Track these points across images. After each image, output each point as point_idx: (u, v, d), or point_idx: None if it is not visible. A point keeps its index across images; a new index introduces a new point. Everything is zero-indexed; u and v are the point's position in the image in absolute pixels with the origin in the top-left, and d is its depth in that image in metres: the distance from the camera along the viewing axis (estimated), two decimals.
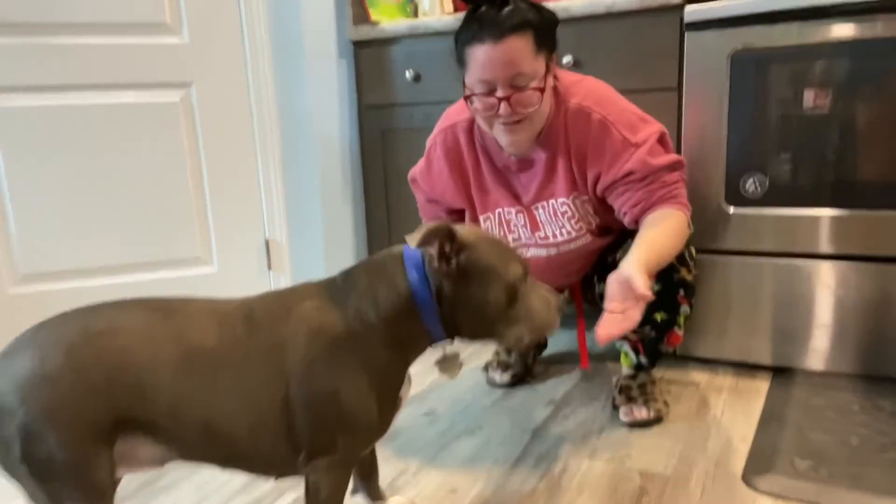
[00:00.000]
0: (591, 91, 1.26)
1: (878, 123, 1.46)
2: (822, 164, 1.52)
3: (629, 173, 1.21)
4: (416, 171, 1.45)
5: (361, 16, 2.02)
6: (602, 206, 1.31)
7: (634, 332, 1.35)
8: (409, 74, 1.91)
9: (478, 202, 1.37)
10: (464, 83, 1.20)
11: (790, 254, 1.57)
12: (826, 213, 1.53)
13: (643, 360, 1.44)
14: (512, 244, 1.32)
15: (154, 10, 1.70)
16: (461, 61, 1.18)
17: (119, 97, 1.73)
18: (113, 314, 0.81)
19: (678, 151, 1.64)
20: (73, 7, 1.63)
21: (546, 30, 1.16)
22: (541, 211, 1.32)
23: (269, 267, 1.96)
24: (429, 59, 1.90)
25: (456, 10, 2.04)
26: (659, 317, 1.33)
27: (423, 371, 1.74)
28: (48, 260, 1.73)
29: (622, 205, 1.25)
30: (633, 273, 1.00)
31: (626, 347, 1.45)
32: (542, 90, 1.17)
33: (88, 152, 1.71)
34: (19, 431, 0.74)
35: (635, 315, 0.98)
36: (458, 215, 1.45)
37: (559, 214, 1.31)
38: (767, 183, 1.56)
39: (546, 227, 1.33)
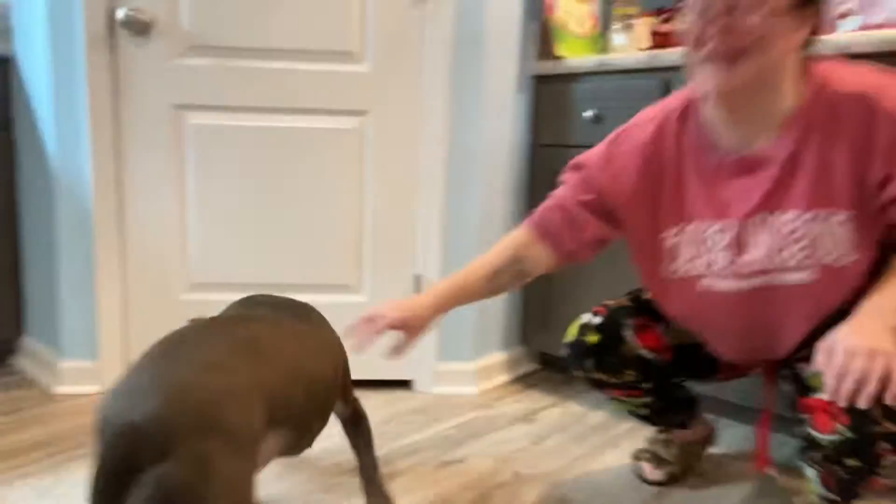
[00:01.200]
0: (863, 73, 0.96)
1: None
2: None
3: None
4: (586, 158, 1.18)
5: (546, 51, 1.91)
6: (866, 230, 0.96)
7: (823, 462, 0.99)
8: (589, 114, 1.76)
9: (667, 212, 1.08)
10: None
11: None
12: None
13: (832, 497, 1.04)
14: (697, 272, 1.07)
15: (342, 39, 1.73)
16: None
17: (302, 121, 1.77)
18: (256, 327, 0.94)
19: None
20: (268, 33, 1.71)
21: None
22: (758, 226, 1.00)
23: None
24: (614, 98, 1.73)
25: (654, 46, 1.86)
26: (851, 462, 0.96)
27: (561, 445, 1.55)
28: (215, 271, 1.81)
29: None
30: (842, 336, 0.85)
31: (812, 473, 1.04)
32: (777, 15, 0.89)
33: (267, 173, 1.77)
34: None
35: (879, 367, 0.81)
36: (598, 231, 1.16)
37: (783, 234, 0.98)
38: None
39: (756, 249, 1.00)
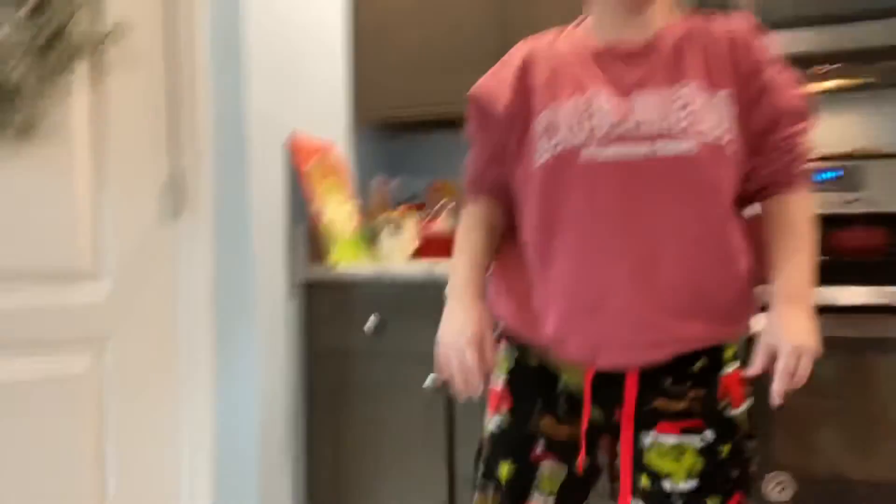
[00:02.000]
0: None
1: None
2: None
3: (770, 88, 0.98)
4: (479, 82, 1.12)
5: (318, 255, 1.82)
6: (741, 120, 0.99)
7: None
8: (370, 322, 1.70)
9: (544, 94, 1.03)
10: None
11: None
12: None
13: None
14: (580, 138, 0.98)
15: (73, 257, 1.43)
16: None
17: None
18: None
19: None
20: None
21: None
22: (645, 96, 0.99)
23: None
24: (394, 306, 1.71)
25: (419, 255, 1.89)
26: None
27: None
28: None
29: (753, 161, 1.00)
30: (783, 336, 0.94)
31: None
32: None
33: None
34: None
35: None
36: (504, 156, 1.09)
37: (670, 101, 0.98)
38: None
39: (644, 113, 0.97)
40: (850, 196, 1.83)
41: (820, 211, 1.79)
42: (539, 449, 1.06)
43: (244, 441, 1.63)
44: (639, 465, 1.05)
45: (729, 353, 1.04)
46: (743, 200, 1.04)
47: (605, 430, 1.05)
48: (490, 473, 1.10)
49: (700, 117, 0.96)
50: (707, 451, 1.01)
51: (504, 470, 1.08)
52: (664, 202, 0.96)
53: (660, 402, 1.02)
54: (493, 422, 1.11)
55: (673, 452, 1.01)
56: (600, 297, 0.98)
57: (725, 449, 1.01)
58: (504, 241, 1.13)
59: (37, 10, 1.33)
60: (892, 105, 1.92)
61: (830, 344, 1.35)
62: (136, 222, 1.52)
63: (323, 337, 1.80)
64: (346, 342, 1.77)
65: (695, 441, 1.01)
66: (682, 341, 0.99)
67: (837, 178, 1.85)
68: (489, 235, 1.11)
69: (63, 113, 1.42)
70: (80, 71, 1.43)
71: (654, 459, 1.02)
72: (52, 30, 1.34)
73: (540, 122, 1.01)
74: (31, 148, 1.39)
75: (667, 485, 1.01)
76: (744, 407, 1.04)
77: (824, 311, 1.35)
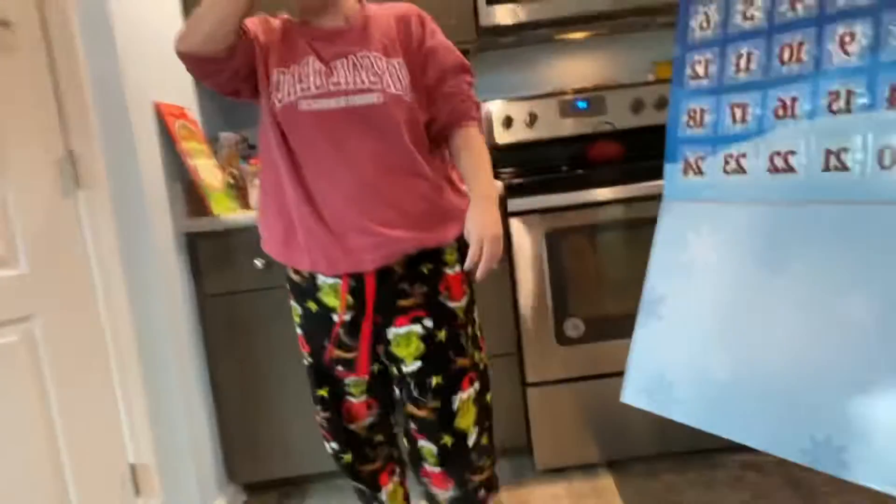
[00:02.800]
0: None
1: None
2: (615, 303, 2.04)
3: (434, 52, 1.32)
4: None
5: (201, 209, 2.01)
6: (414, 82, 1.30)
7: None
8: (258, 263, 1.97)
9: (275, 58, 1.29)
10: None
11: (606, 375, 2.05)
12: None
13: None
14: (301, 93, 1.26)
15: None
16: None
17: None
18: None
19: (515, 306, 2.04)
20: None
21: None
22: (339, 64, 1.27)
23: (138, 493, 1.77)
24: None
25: None
26: None
27: None
28: None
29: (432, 109, 1.32)
30: (484, 227, 1.23)
31: None
32: None
33: None
34: None
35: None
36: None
37: (359, 66, 1.26)
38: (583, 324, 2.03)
39: (341, 75, 1.26)
40: (595, 119, 2.50)
41: (577, 133, 2.45)
42: (338, 370, 1.39)
43: (167, 388, 1.85)
44: (390, 358, 1.36)
45: (449, 257, 1.35)
46: (435, 141, 1.34)
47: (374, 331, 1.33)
48: (316, 397, 1.45)
49: (382, 77, 1.25)
50: (427, 337, 1.31)
51: (322, 392, 1.43)
52: (362, 140, 1.24)
53: (399, 303, 1.31)
54: (305, 359, 1.45)
55: (405, 340, 1.31)
56: (333, 215, 1.25)
57: (442, 334, 1.32)
58: (263, 173, 1.37)
59: None
60: (621, 49, 2.60)
61: (593, 229, 2.00)
62: (39, 202, 1.59)
63: (214, 282, 2.00)
64: (238, 284, 2.00)
65: (418, 328, 1.31)
66: (393, 242, 1.26)
67: (587, 107, 2.51)
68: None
69: None
70: None
71: (394, 348, 1.34)
72: None
73: (273, 76, 1.27)
74: None
75: (403, 367, 1.34)
76: (463, 301, 1.37)
77: (585, 206, 2.01)
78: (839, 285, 0.74)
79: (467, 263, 1.23)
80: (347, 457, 1.49)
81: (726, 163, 0.85)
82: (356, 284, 1.29)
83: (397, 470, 1.59)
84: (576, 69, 2.60)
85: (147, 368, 1.81)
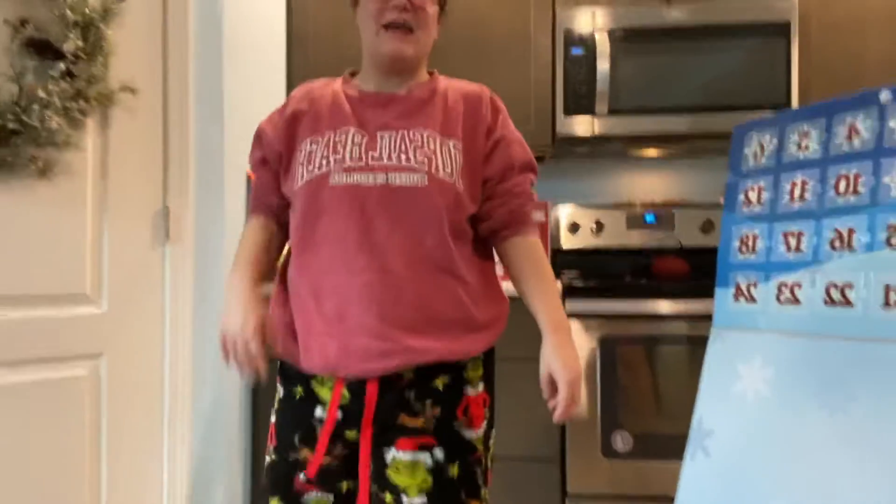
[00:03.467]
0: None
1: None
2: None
3: (503, 143, 1.16)
4: (263, 122, 1.23)
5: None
6: (469, 167, 1.12)
7: None
8: None
9: (307, 129, 1.14)
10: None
11: (650, 497, 1.95)
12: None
13: None
14: (330, 167, 1.09)
15: (75, 282, 1.64)
16: None
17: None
18: None
19: None
20: None
21: None
22: (385, 137, 1.10)
23: None
24: None
25: None
26: None
27: None
28: None
29: (488, 205, 1.15)
30: (559, 367, 1.05)
31: None
32: (439, 7, 1.18)
33: None
34: None
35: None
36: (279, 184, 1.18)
37: (407, 141, 1.09)
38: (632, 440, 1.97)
39: (384, 149, 1.09)
40: (662, 234, 2.52)
41: (642, 245, 2.45)
42: (301, 480, 1.08)
43: (211, 446, 1.90)
44: (383, 482, 1.08)
45: (472, 373, 1.12)
46: (481, 241, 1.17)
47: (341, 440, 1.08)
48: None
49: (432, 158, 1.07)
50: (436, 470, 1.06)
51: (275, 502, 1.11)
52: (395, 226, 1.05)
53: (403, 418, 1.07)
54: (268, 454, 1.15)
55: (409, 468, 1.06)
56: (341, 307, 1.04)
57: (454, 469, 1.07)
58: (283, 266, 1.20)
59: (67, 72, 1.55)
60: (693, 170, 2.65)
61: (650, 341, 1.98)
62: (131, 250, 1.74)
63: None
64: None
65: (426, 458, 1.06)
66: (410, 352, 1.03)
67: (654, 221, 2.54)
68: (266, 241, 1.19)
69: (74, 155, 1.63)
70: (91, 120, 1.66)
71: (393, 475, 1.07)
72: (77, 88, 1.56)
73: (301, 152, 1.11)
74: (46, 186, 1.59)
75: (404, 499, 1.06)
76: (482, 429, 1.12)
77: (645, 317, 1.99)
78: None
79: (559, 413, 1.06)
80: None
81: (780, 292, 0.82)
82: (355, 387, 1.07)
83: None
84: (647, 184, 2.65)
85: (196, 423, 1.86)
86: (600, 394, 1.98)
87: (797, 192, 0.82)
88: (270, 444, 1.14)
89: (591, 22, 2.20)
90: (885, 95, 0.79)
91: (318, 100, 1.16)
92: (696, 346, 1.98)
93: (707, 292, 2.02)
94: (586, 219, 2.51)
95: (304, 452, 1.08)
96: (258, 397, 2.08)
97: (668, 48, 2.20)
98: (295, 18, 2.31)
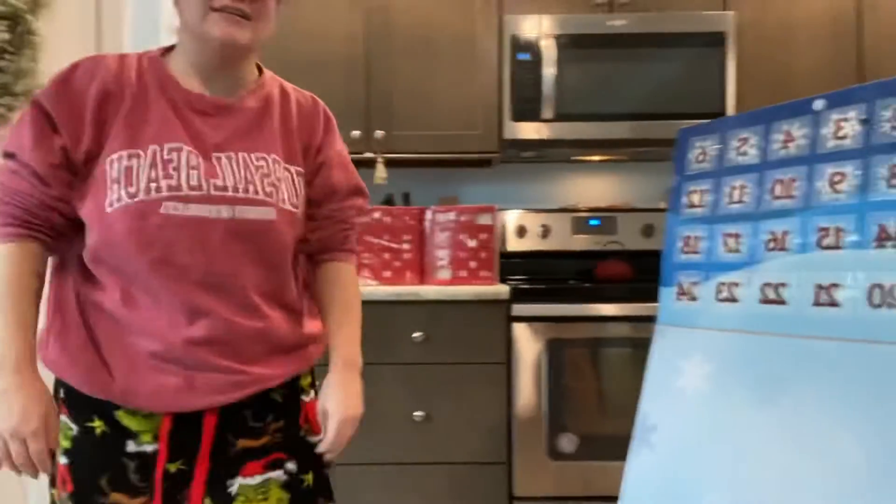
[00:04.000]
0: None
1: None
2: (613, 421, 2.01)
3: (326, 165, 1.08)
4: (44, 91, 0.95)
5: None
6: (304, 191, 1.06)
7: None
8: None
9: (119, 135, 0.93)
10: None
11: (596, 497, 1.98)
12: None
13: None
14: (161, 193, 0.92)
15: None
16: None
17: None
18: None
19: (509, 412, 2.02)
20: None
21: None
22: (224, 160, 0.97)
23: None
24: None
25: None
26: None
27: None
28: None
29: (309, 226, 1.08)
30: (340, 408, 1.03)
31: None
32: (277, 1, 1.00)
33: None
34: None
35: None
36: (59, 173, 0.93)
37: (252, 169, 0.98)
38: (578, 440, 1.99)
39: (228, 177, 0.96)
40: (606, 238, 2.57)
41: (586, 248, 2.50)
42: None
43: None
44: None
45: (304, 381, 1.07)
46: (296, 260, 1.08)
47: (191, 483, 0.97)
48: None
49: (279, 187, 0.99)
50: (291, 484, 1.00)
51: None
52: (242, 260, 0.96)
53: (243, 442, 0.99)
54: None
55: (259, 492, 0.98)
56: (180, 346, 0.93)
57: (308, 478, 1.02)
58: (59, 287, 0.99)
59: None
60: (636, 175, 2.71)
61: (595, 343, 2.01)
62: None
63: None
64: None
65: (279, 474, 1.00)
66: (261, 381, 0.99)
67: (598, 225, 2.59)
68: (38, 288, 0.95)
69: None
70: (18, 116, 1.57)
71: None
72: (3, 83, 1.48)
73: (114, 164, 0.92)
74: None
75: None
76: (321, 434, 1.06)
77: (589, 319, 2.03)
78: (830, 424, 0.72)
79: (324, 446, 1.03)
80: None
81: (719, 291, 0.87)
82: (184, 417, 0.96)
83: None
84: (591, 189, 2.70)
85: None
86: (547, 396, 2.00)
87: (736, 195, 0.87)
88: (62, 492, 0.95)
89: (537, 28, 2.23)
90: (818, 104, 0.84)
91: (131, 93, 0.95)
92: (640, 347, 2.02)
93: (649, 295, 2.07)
94: (533, 223, 2.54)
95: (116, 496, 0.94)
96: None
97: (612, 55, 2.26)
98: None
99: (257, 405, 1.00)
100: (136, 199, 0.91)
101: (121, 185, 0.91)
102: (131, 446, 0.94)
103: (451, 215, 2.22)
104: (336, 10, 2.30)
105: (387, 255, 2.21)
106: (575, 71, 2.25)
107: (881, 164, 0.72)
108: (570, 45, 2.24)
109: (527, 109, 2.25)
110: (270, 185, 0.98)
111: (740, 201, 0.86)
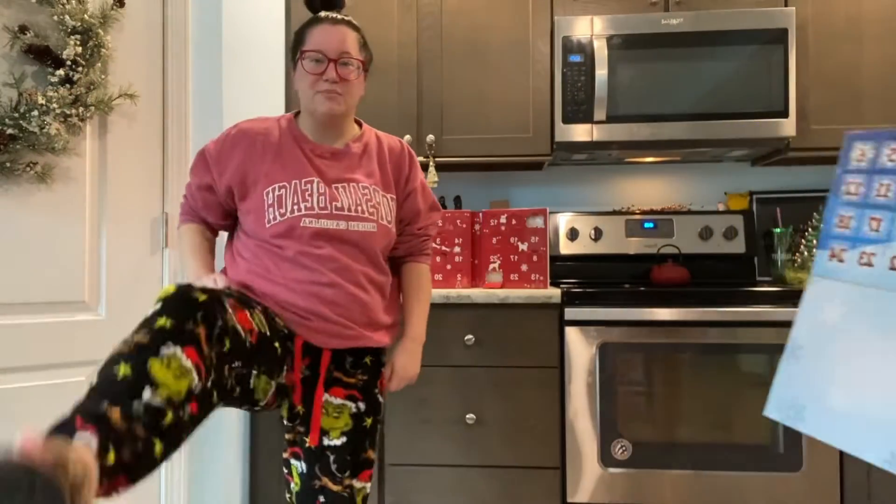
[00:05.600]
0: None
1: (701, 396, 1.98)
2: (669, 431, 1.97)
3: (413, 194, 1.50)
4: (209, 143, 1.43)
5: None
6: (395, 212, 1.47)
7: None
8: None
9: (269, 173, 1.37)
10: (295, 60, 1.39)
11: None
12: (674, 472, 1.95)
13: None
14: (305, 211, 1.35)
15: (74, 290, 1.62)
16: (299, 41, 1.38)
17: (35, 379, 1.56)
18: None
19: (562, 417, 2.00)
20: None
21: (366, 44, 1.43)
22: (341, 189, 1.39)
23: None
24: None
25: None
26: None
27: None
28: None
29: (398, 239, 1.50)
30: (405, 366, 1.48)
31: None
32: (362, 70, 1.40)
33: None
34: None
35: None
36: (221, 209, 1.44)
37: (359, 194, 1.40)
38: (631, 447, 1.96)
39: (344, 200, 1.38)
40: (661, 241, 2.52)
41: (640, 252, 2.46)
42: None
43: (210, 451, 1.90)
44: (310, 424, 1.38)
45: (384, 359, 1.49)
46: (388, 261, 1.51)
47: (305, 383, 1.38)
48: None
49: (379, 209, 1.41)
50: (357, 417, 1.40)
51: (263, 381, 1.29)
52: (353, 257, 1.38)
53: (339, 374, 1.41)
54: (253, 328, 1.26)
55: (336, 409, 1.39)
56: (320, 305, 1.34)
57: (369, 421, 1.42)
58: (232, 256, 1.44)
59: (66, 78, 1.55)
60: (691, 176, 2.66)
61: (649, 348, 1.98)
62: (129, 256, 1.74)
63: None
64: None
65: (352, 406, 1.40)
66: (359, 339, 1.39)
67: (653, 227, 2.54)
68: (210, 240, 1.48)
69: (72, 161, 1.63)
70: (90, 126, 1.66)
71: (322, 416, 1.38)
72: (75, 94, 1.56)
73: (270, 194, 1.36)
74: (45, 191, 1.59)
75: (325, 440, 1.37)
76: (384, 402, 1.48)
77: (643, 324, 2.00)
78: None
79: (386, 387, 1.47)
80: (203, 296, 1.18)
81: (861, 257, 1.22)
82: (309, 348, 1.39)
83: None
84: (643, 191, 2.66)
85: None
86: (599, 402, 1.97)
87: (882, 191, 1.24)
88: (252, 333, 1.25)
89: (589, 29, 2.21)
90: None
91: (269, 142, 1.40)
92: (696, 353, 1.99)
93: (706, 299, 2.06)
94: (585, 225, 2.52)
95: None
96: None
97: (666, 55, 2.22)
98: (294, 24, 2.32)
99: (354, 358, 1.42)
100: (286, 217, 1.35)
101: (275, 208, 1.35)
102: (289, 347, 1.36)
103: (503, 218, 2.22)
104: (391, 18, 2.34)
105: (438, 259, 2.22)
106: (627, 71, 2.22)
107: None
108: (623, 45, 2.21)
109: (578, 111, 2.23)
110: (373, 206, 1.41)
111: (885, 195, 1.22)
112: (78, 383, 1.65)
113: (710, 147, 2.26)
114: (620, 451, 1.96)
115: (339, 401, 1.39)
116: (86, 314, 1.67)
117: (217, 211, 1.43)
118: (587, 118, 2.22)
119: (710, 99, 2.20)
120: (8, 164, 1.51)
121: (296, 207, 1.34)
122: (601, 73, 2.16)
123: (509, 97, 2.31)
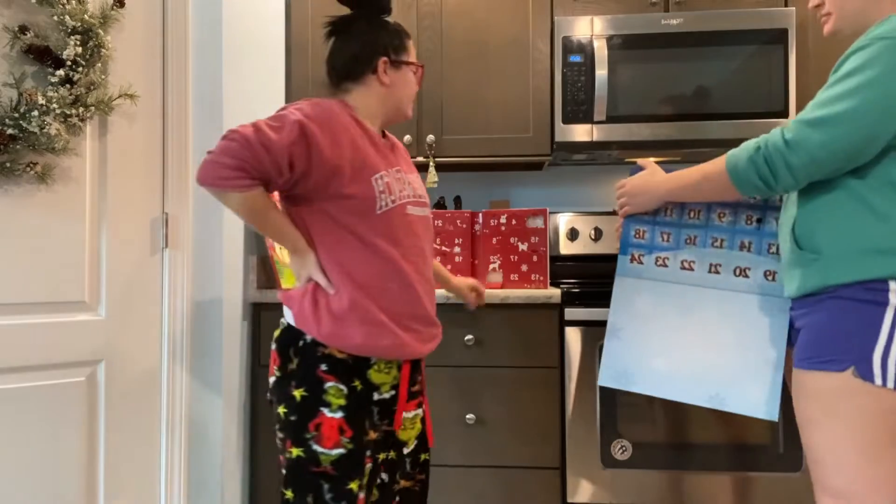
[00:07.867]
0: None
1: None
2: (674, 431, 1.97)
3: None
4: (316, 113, 1.29)
5: (267, 283, 2.12)
6: None
7: None
8: None
9: (369, 158, 1.33)
10: (401, 62, 1.42)
11: None
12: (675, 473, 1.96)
13: None
14: (406, 199, 1.38)
15: (74, 290, 1.62)
16: (401, 48, 1.44)
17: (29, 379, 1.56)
18: None
19: (562, 418, 2.00)
20: None
21: None
22: (407, 179, 1.42)
23: None
24: None
25: None
26: None
27: None
28: None
29: None
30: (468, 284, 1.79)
31: None
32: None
33: None
34: None
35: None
36: (289, 180, 1.28)
37: (416, 183, 1.46)
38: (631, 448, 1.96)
39: (417, 188, 1.44)
40: None
41: None
42: (367, 454, 1.33)
43: (208, 448, 1.90)
44: (393, 442, 1.42)
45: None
46: None
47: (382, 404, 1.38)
48: (343, 492, 1.30)
49: (423, 194, 1.46)
50: (422, 419, 1.49)
51: (353, 486, 1.30)
52: (429, 244, 1.46)
53: (409, 387, 1.43)
54: (338, 448, 1.29)
55: (411, 423, 1.44)
56: (416, 302, 1.37)
57: (424, 417, 1.49)
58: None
59: (66, 78, 1.55)
60: None
61: None
62: (129, 256, 1.73)
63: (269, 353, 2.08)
64: None
65: (420, 411, 1.47)
66: (439, 338, 1.45)
67: None
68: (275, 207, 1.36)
69: (73, 161, 1.63)
70: (90, 126, 1.66)
71: (400, 432, 1.42)
72: (76, 94, 1.56)
73: (377, 181, 1.33)
74: (45, 191, 1.59)
75: (404, 450, 1.44)
76: None
77: None
78: (717, 325, 1.49)
79: (476, 302, 1.80)
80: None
81: (657, 261, 1.57)
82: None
83: None
84: None
85: (193, 428, 1.85)
86: (599, 402, 1.97)
87: (668, 215, 1.57)
88: (345, 436, 1.29)
89: (589, 29, 2.21)
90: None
91: (366, 135, 1.37)
92: None
93: None
94: (585, 225, 2.52)
95: (371, 434, 1.34)
96: (256, 404, 2.08)
97: (666, 55, 2.22)
98: (294, 24, 2.32)
99: (415, 361, 1.44)
100: (395, 203, 1.36)
101: (386, 195, 1.34)
102: (375, 396, 1.36)
103: (503, 218, 2.22)
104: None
105: (438, 259, 2.22)
106: (628, 71, 2.22)
107: (742, 213, 1.50)
108: (623, 45, 2.21)
109: (578, 111, 2.23)
110: (423, 191, 1.48)
111: (671, 215, 1.57)
112: (78, 383, 1.65)
113: (710, 147, 2.26)
114: (620, 451, 1.96)
115: (411, 413, 1.43)
116: (86, 314, 1.67)
117: (285, 179, 1.26)
118: (587, 118, 2.22)
119: (710, 99, 2.20)
120: (8, 165, 1.51)
121: (401, 195, 1.36)
122: (601, 73, 2.16)
123: (509, 97, 2.31)
